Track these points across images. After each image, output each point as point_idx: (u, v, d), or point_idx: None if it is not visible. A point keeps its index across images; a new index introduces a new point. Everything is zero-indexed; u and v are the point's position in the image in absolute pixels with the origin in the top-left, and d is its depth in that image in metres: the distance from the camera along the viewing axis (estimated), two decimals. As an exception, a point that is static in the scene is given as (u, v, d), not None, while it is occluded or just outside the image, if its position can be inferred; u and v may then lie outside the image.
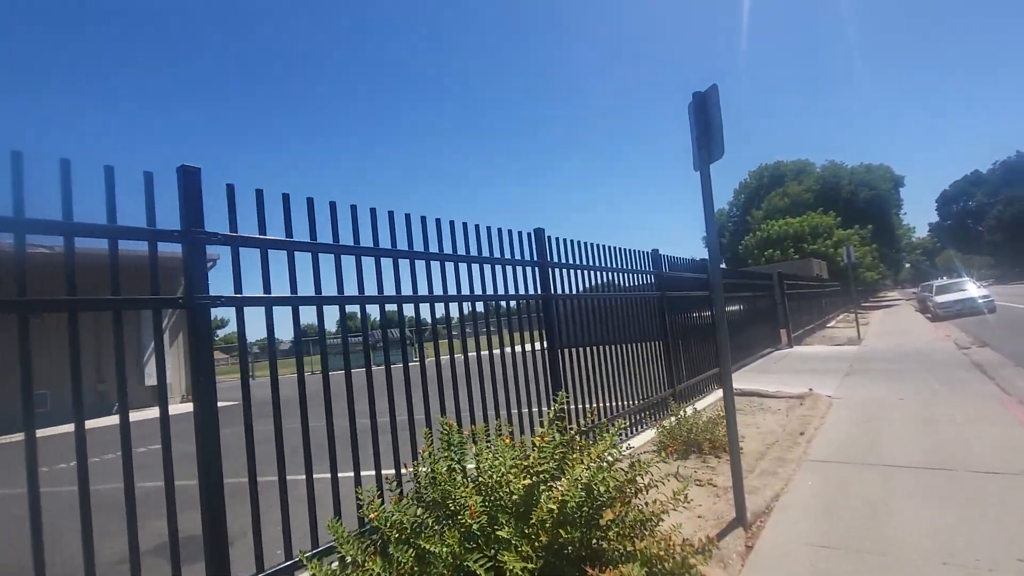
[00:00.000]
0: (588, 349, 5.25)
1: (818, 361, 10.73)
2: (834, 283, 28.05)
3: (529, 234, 4.28)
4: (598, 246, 5.22)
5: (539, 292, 4.39)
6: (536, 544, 2.05)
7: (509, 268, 4.16)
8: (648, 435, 5.26)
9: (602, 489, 2.26)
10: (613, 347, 5.55)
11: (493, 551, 2.01)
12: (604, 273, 5.50)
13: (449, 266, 3.71)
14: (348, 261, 3.05)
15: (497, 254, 4.04)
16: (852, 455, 4.47)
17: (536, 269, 4.38)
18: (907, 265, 73.37)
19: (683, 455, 4.72)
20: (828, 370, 9.36)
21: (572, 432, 2.93)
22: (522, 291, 4.22)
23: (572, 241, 4.77)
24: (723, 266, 43.45)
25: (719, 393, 7.72)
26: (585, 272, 5.10)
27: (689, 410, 5.33)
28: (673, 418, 5.05)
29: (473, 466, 2.43)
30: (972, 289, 21.20)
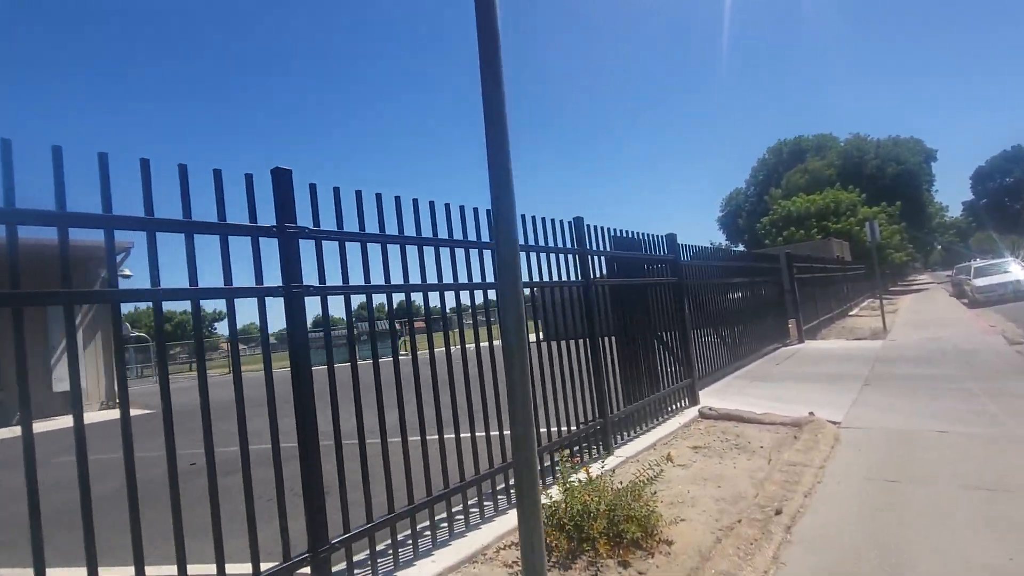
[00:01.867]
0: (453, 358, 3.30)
1: (832, 362, 8.60)
2: (858, 265, 25.48)
3: (248, 175, 2.31)
4: (422, 205, 3.17)
5: (280, 284, 2.43)
6: None
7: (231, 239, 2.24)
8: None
9: None
10: (483, 356, 3.58)
11: None
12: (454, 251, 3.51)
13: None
14: None
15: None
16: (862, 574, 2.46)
17: (277, 243, 2.42)
18: (938, 247, 69.16)
19: (566, 560, 2.76)
20: (842, 376, 7.26)
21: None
22: (243, 282, 2.30)
23: (364, 196, 2.77)
24: (737, 247, 40.85)
25: (690, 414, 5.71)
26: (416, 248, 3.12)
27: (596, 468, 3.36)
28: (556, 489, 3.08)
29: None
30: (1017, 271, 18.59)
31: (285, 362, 2.73)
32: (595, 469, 3.53)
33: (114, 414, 11.72)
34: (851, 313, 18.59)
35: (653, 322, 5.76)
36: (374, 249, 2.84)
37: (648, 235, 5.93)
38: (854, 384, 6.66)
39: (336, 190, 2.71)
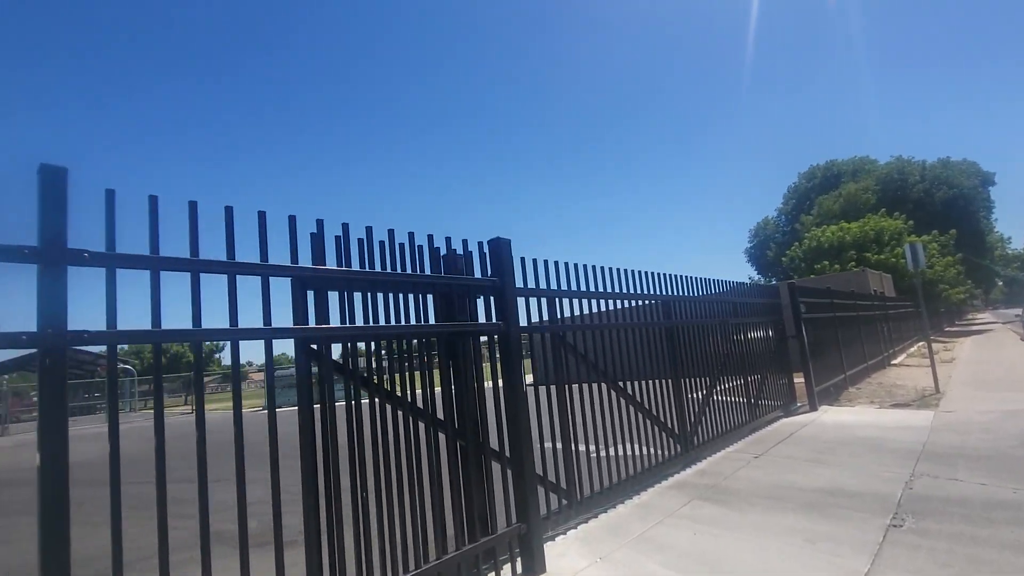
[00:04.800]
0: None
1: (845, 458, 5.34)
2: (903, 302, 21.56)
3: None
4: None
5: None
6: None
7: None
8: None
9: None
10: None
11: None
12: None
13: None
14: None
15: None
16: None
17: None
18: (1000, 283, 62.56)
19: None
20: (853, 499, 4.06)
21: None
22: None
23: None
24: (770, 280, 36.49)
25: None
26: None
27: None
28: None
29: None
30: (1113, 310, 14.59)
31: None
32: None
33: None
34: (894, 361, 14.86)
35: (453, 411, 2.82)
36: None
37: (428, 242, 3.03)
38: (870, 528, 3.48)
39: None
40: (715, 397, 6.15)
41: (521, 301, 3.75)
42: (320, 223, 2.47)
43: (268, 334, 2.21)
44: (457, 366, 3.06)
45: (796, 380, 8.49)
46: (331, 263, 2.58)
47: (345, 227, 2.57)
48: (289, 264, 2.34)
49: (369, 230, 2.67)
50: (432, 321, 3.05)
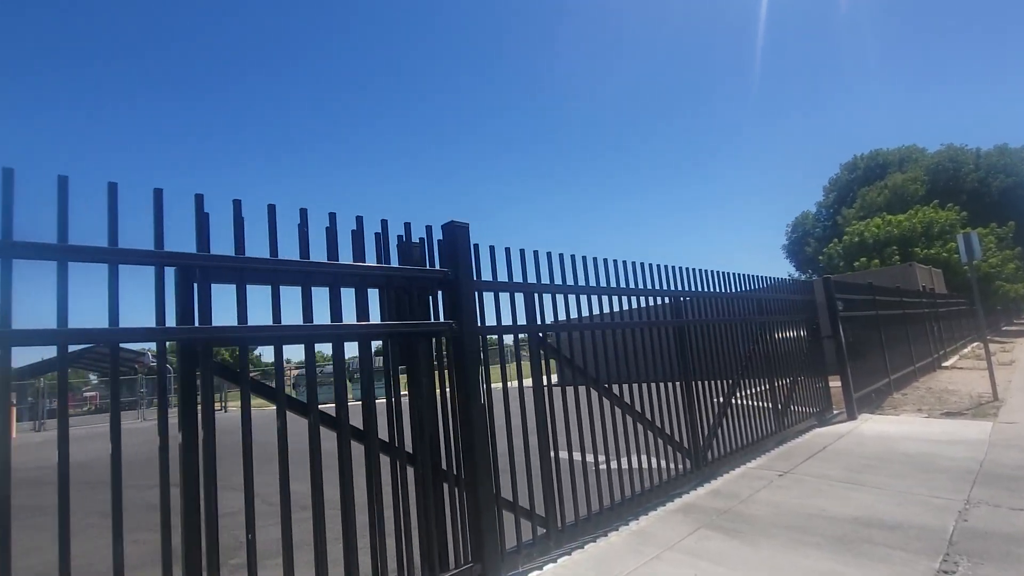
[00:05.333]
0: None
1: (885, 478, 4.60)
2: (956, 299, 20.05)
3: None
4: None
5: None
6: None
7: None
8: None
9: None
10: None
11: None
12: None
13: None
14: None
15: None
16: None
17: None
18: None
19: None
20: (895, 531, 3.37)
21: None
22: None
23: None
24: (810, 276, 34.78)
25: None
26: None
27: None
28: None
29: None
30: None
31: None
32: None
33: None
34: (944, 364, 13.67)
35: (391, 425, 2.33)
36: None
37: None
38: (913, 573, 2.81)
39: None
40: (735, 404, 5.48)
41: (493, 298, 3.23)
42: (199, 199, 2.00)
43: (114, 336, 1.75)
44: (396, 371, 2.56)
45: (832, 384, 7.70)
46: (227, 250, 2.11)
47: (237, 204, 2.09)
48: (152, 249, 1.87)
49: (272, 208, 2.19)
50: (376, 320, 2.56)
